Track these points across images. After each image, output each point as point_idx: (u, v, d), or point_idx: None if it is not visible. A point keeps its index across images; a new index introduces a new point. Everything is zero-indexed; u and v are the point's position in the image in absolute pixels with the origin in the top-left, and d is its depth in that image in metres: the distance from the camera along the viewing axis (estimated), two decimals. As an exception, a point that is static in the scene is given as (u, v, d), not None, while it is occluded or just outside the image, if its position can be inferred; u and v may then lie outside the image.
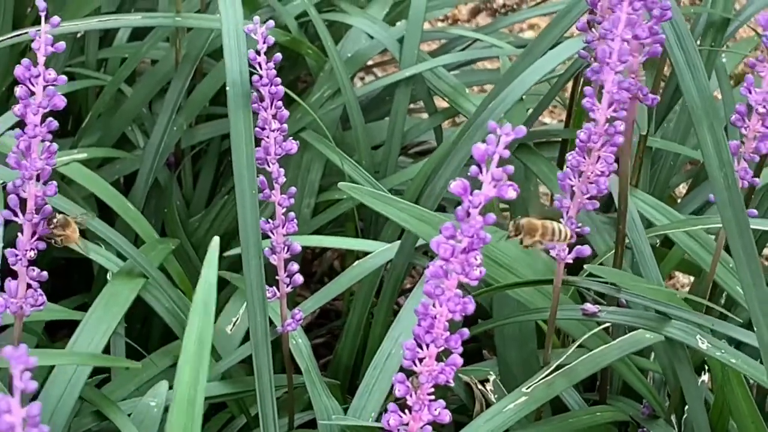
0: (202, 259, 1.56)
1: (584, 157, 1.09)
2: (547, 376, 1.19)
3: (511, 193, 0.78)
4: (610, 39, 1.05)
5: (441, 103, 1.67)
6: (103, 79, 1.63)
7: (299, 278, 1.20)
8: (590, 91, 1.08)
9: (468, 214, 0.80)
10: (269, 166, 1.16)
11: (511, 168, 0.78)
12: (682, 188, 1.90)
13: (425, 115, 1.72)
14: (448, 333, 0.86)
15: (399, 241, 1.35)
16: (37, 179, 1.07)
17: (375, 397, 1.21)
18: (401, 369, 0.90)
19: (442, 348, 0.86)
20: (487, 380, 1.31)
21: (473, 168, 0.79)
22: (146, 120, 1.66)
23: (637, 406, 1.34)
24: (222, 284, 1.55)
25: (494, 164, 0.78)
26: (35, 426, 0.65)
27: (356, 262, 1.38)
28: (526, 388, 1.19)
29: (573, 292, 1.34)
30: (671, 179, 1.63)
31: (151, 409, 1.24)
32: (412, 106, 1.85)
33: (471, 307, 0.84)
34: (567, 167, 1.11)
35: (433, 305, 0.85)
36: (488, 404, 1.29)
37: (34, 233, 1.07)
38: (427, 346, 0.86)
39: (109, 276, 1.35)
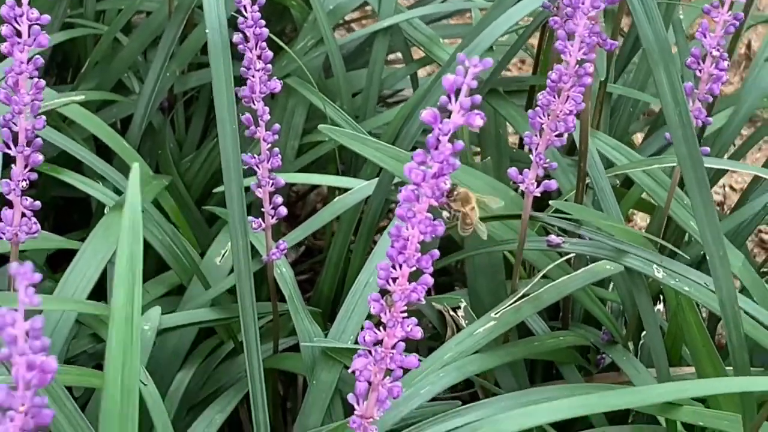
0: (194, 197, 1.56)
1: (554, 97, 1.07)
2: (514, 302, 1.18)
3: (479, 121, 0.75)
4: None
5: (417, 55, 1.64)
6: (100, 29, 1.60)
7: (283, 210, 1.18)
8: (563, 34, 1.06)
9: (438, 142, 0.77)
10: (254, 104, 1.13)
11: (478, 97, 0.76)
12: (639, 137, 1.88)
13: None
14: (419, 254, 0.83)
15: (377, 179, 1.33)
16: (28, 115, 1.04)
17: (354, 322, 1.20)
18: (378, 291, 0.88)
19: (414, 268, 0.84)
20: (459, 307, 1.29)
21: (442, 98, 0.76)
22: (141, 67, 1.64)
23: (597, 332, 1.32)
24: (212, 219, 1.53)
25: (463, 94, 0.75)
26: (37, 338, 0.63)
27: (337, 198, 1.36)
28: (495, 314, 1.17)
29: (538, 227, 1.32)
30: (630, 126, 1.60)
31: (145, 332, 1.21)
32: (390, 57, 1.83)
33: (441, 230, 0.82)
34: (537, 106, 1.08)
35: (406, 228, 0.82)
36: (459, 329, 1.27)
37: (26, 165, 1.04)
38: (400, 266, 0.84)
39: (105, 211, 1.32)
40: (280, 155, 1.16)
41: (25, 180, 1.03)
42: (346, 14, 1.66)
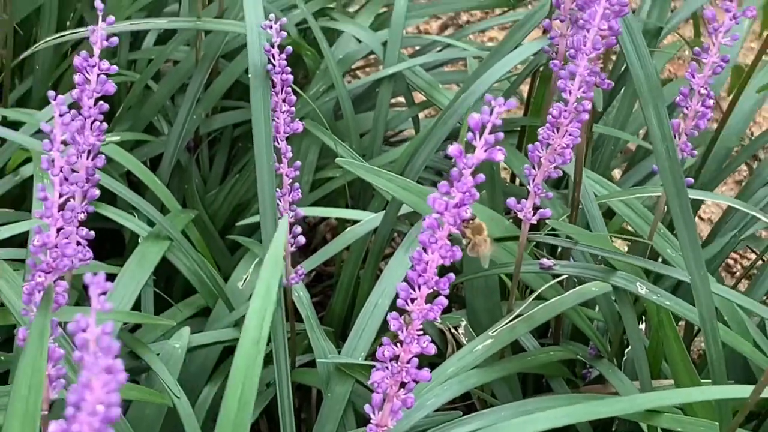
0: (217, 228, 1.57)
1: (554, 132, 1.08)
2: (510, 321, 1.18)
3: (500, 156, 0.76)
4: (587, 29, 1.04)
5: (418, 99, 1.65)
6: (132, 77, 1.61)
7: (302, 239, 1.18)
8: (564, 74, 1.07)
9: (461, 174, 0.78)
10: (278, 143, 1.15)
11: (501, 134, 0.76)
12: (618, 173, 1.89)
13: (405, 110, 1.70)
14: (437, 277, 0.84)
15: (384, 211, 1.34)
16: (89, 153, 1.05)
17: (365, 340, 1.20)
18: (395, 309, 0.88)
19: (432, 290, 0.85)
20: (459, 326, 1.30)
21: (468, 134, 0.77)
22: (170, 111, 1.64)
23: (584, 348, 1.33)
24: (234, 248, 1.53)
25: (488, 131, 0.75)
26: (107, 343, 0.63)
27: (348, 228, 1.36)
28: (492, 332, 1.18)
29: (531, 251, 1.33)
30: (611, 163, 1.62)
31: (176, 350, 1.23)
32: (393, 101, 1.84)
33: (459, 254, 0.82)
34: (539, 139, 1.09)
35: (426, 252, 0.83)
36: (459, 347, 1.27)
37: (84, 198, 1.05)
38: (419, 287, 0.85)
39: (139, 240, 1.32)
40: (300, 189, 1.17)
41: (84, 212, 1.04)
42: (354, 63, 1.67)
